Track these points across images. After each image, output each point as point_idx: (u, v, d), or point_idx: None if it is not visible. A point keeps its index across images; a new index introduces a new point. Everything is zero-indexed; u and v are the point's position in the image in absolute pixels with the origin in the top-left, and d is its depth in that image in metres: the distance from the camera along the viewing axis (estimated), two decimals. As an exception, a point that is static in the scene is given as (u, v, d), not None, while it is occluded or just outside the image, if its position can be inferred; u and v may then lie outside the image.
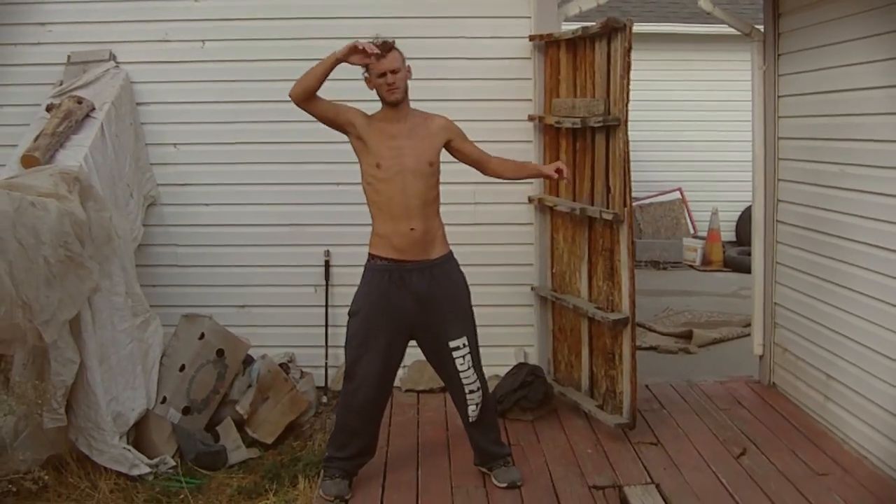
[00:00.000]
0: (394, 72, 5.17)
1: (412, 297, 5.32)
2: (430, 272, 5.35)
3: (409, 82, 5.29)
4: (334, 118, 5.32)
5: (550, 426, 6.51)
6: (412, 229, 5.27)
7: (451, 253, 5.49)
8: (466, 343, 5.41)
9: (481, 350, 5.57)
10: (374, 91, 5.30)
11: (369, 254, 5.41)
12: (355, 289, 5.65)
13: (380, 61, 5.13)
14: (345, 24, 6.97)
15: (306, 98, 5.19)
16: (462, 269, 5.55)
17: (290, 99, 5.18)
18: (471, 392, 5.47)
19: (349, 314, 5.47)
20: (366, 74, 5.28)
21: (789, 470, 5.69)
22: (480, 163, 5.64)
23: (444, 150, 5.47)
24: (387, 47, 5.15)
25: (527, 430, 6.44)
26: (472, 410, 5.51)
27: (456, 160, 5.62)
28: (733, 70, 13.23)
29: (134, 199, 6.73)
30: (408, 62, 5.29)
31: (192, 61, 7.10)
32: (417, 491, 5.53)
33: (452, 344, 5.39)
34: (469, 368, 5.43)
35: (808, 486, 5.45)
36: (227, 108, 7.13)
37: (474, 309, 5.55)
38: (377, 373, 5.39)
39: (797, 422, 6.51)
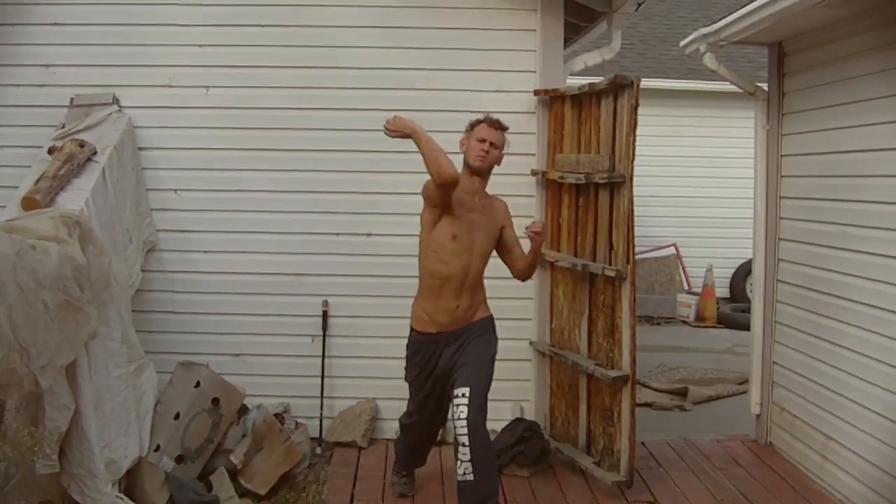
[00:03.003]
0: (492, 144, 5.28)
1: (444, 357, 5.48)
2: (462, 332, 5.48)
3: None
4: None
5: (547, 483, 6.45)
6: (457, 307, 5.38)
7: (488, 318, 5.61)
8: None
9: None
10: (462, 150, 5.42)
11: (412, 326, 5.55)
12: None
13: (487, 131, 5.27)
14: (349, 74, 7.04)
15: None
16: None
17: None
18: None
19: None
20: (467, 130, 5.42)
21: (789, 532, 5.65)
22: (513, 259, 5.63)
23: None
24: (501, 125, 5.33)
25: (523, 486, 6.39)
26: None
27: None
28: (730, 127, 13.36)
29: (133, 244, 6.68)
30: (504, 153, 5.47)
31: (195, 107, 7.07)
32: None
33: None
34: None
35: (809, 549, 5.42)
36: (228, 155, 7.10)
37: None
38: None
39: (795, 482, 6.47)
